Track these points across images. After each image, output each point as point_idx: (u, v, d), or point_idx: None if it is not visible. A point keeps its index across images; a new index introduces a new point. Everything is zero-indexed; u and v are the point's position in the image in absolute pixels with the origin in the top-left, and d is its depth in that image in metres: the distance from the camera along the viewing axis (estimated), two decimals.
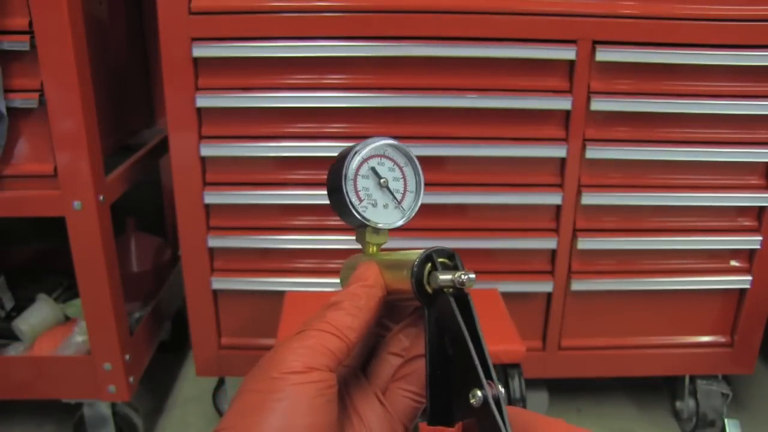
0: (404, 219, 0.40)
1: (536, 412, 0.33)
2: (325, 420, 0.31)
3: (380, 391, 0.38)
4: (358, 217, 0.38)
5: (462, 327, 0.33)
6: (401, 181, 0.40)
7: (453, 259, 0.35)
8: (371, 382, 0.38)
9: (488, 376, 0.32)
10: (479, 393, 0.31)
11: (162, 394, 1.44)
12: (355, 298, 0.35)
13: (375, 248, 0.40)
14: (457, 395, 0.32)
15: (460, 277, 0.34)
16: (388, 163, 0.40)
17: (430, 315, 0.35)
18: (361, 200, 0.39)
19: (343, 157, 0.39)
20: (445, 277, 0.34)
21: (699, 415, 1.30)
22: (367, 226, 0.39)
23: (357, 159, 0.39)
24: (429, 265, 0.35)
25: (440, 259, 0.35)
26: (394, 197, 0.40)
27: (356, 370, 0.39)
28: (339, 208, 0.39)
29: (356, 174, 0.39)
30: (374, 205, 0.39)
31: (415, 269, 0.35)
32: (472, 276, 0.34)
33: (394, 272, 0.36)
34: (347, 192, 0.38)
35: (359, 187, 0.39)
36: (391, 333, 0.39)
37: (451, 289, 0.34)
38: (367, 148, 0.39)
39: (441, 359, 0.34)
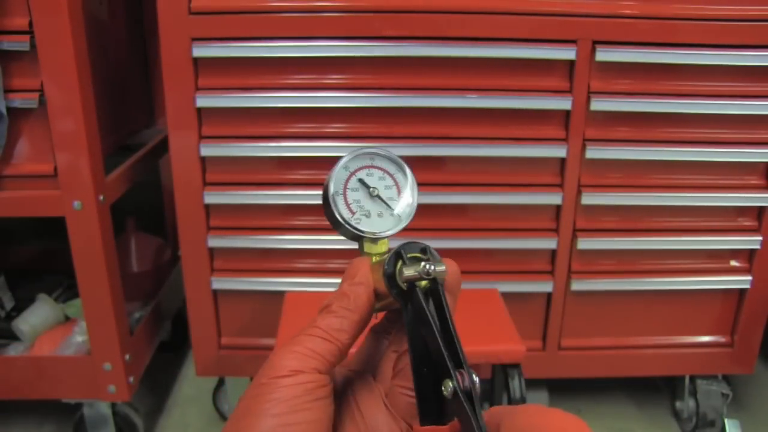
0: (400, 225, 0.39)
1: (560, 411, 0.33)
2: (315, 416, 0.33)
3: (385, 391, 0.38)
4: (351, 229, 0.38)
5: (430, 317, 0.33)
6: (393, 188, 0.40)
7: (426, 253, 0.35)
8: (379, 382, 0.38)
9: (458, 366, 0.31)
10: (450, 384, 0.31)
11: (162, 394, 1.44)
12: (344, 298, 0.36)
13: (376, 258, 0.39)
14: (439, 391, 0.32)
15: (425, 267, 0.33)
16: (378, 173, 0.40)
17: (407, 312, 0.35)
18: (353, 213, 0.39)
19: (329, 173, 0.39)
20: (409, 271, 0.34)
21: (699, 415, 1.30)
22: (363, 237, 0.39)
23: (342, 173, 0.39)
24: (400, 261, 0.35)
25: (411, 254, 0.35)
26: (388, 205, 0.39)
27: (364, 373, 0.39)
28: (333, 224, 0.39)
29: (345, 188, 0.39)
30: (367, 216, 0.39)
31: (386, 267, 0.35)
32: (441, 267, 0.34)
33: (378, 272, 0.36)
34: (336, 207, 0.38)
35: (350, 200, 0.39)
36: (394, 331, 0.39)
37: (424, 283, 0.34)
38: (351, 162, 0.39)
39: (425, 356, 0.34)
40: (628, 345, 1.28)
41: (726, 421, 1.27)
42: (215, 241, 1.16)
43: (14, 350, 1.24)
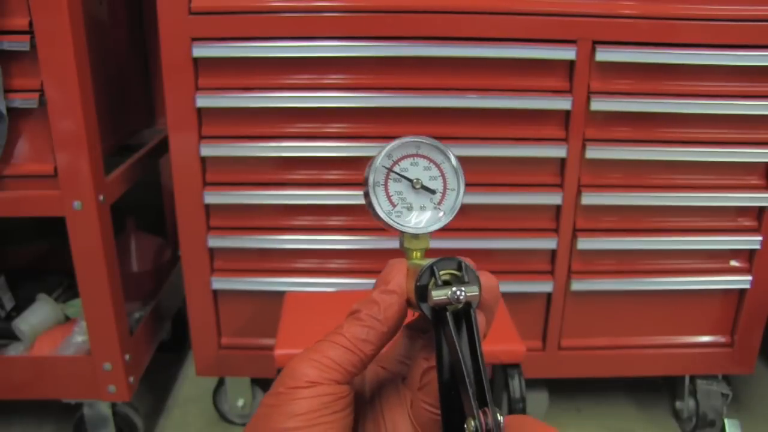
0: (444, 220, 0.37)
1: (536, 419, 0.32)
2: (331, 430, 0.32)
3: (410, 400, 0.36)
4: (390, 223, 0.36)
5: (458, 348, 0.30)
6: (440, 179, 0.37)
7: (461, 270, 0.32)
8: (407, 388, 0.37)
9: (483, 404, 0.30)
10: (473, 423, 0.29)
11: (162, 394, 1.44)
12: (374, 306, 0.34)
13: (418, 254, 0.37)
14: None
15: (455, 293, 0.31)
16: (423, 162, 0.37)
17: (439, 332, 0.32)
18: (394, 205, 0.36)
19: (371, 161, 0.37)
20: (438, 294, 0.31)
21: (699, 415, 1.30)
22: (404, 231, 0.36)
23: (385, 162, 0.36)
24: (432, 279, 0.32)
25: (444, 271, 0.32)
26: (431, 198, 0.37)
27: (395, 375, 0.38)
28: (373, 215, 0.37)
29: (387, 178, 0.37)
30: (409, 208, 0.37)
31: (418, 284, 0.32)
32: (474, 291, 0.31)
33: (413, 281, 0.33)
34: (377, 198, 0.36)
35: (391, 192, 0.36)
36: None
37: (452, 306, 0.31)
38: (396, 149, 0.37)
39: (453, 380, 0.31)
40: (628, 345, 1.28)
41: (726, 421, 1.27)
42: (215, 241, 1.16)
43: (14, 350, 1.24)
